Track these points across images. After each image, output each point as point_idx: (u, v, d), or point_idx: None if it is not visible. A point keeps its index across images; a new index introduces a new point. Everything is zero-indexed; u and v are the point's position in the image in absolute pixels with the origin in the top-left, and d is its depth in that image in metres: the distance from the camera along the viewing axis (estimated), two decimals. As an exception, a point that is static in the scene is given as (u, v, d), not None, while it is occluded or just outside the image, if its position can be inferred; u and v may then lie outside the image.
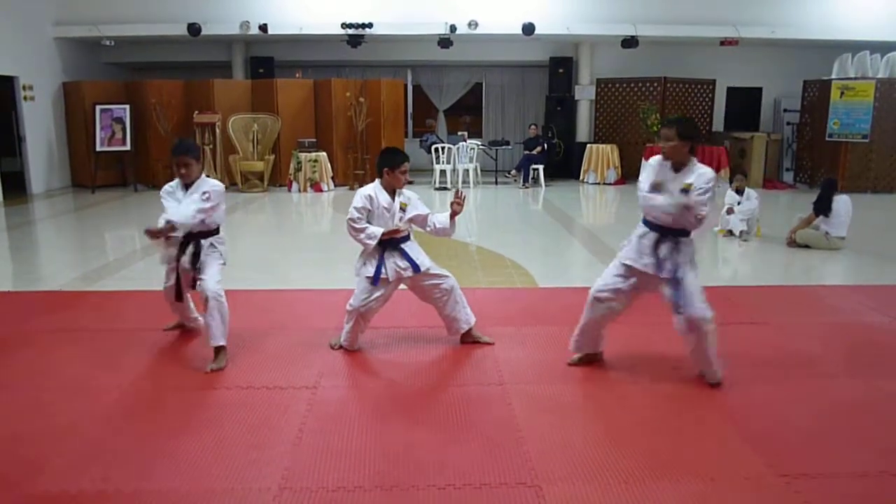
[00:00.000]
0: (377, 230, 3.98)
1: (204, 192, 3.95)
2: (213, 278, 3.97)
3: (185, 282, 4.10)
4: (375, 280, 4.03)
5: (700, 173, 3.64)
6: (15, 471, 2.87)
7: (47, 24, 12.49)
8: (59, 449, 3.05)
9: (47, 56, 12.53)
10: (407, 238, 4.13)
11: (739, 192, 8.08)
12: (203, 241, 4.03)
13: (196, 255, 3.99)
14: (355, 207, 4.00)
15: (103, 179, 12.59)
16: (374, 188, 4.07)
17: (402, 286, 4.23)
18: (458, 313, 4.24)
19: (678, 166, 3.68)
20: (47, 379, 3.83)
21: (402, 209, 4.07)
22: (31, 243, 8.32)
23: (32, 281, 6.33)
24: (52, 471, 2.88)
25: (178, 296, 4.15)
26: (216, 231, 4.13)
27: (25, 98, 11.82)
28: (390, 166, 4.03)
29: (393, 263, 4.04)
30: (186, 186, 4.02)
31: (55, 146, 12.73)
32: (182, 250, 4.02)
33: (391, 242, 4.03)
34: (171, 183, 4.12)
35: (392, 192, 4.08)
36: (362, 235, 3.99)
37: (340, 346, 4.26)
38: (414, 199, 4.17)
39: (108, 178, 12.75)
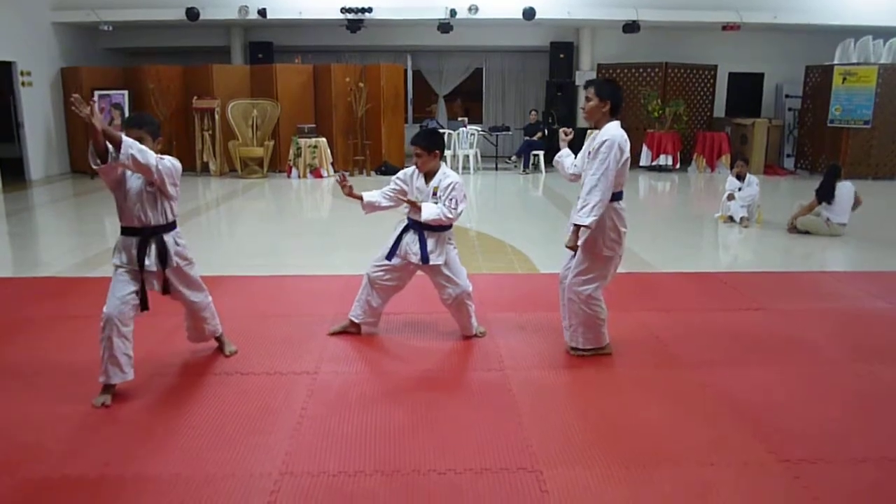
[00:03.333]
0: (368, 196, 4.03)
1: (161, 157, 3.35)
2: (202, 291, 3.73)
3: (153, 287, 3.51)
4: (389, 255, 4.04)
5: (600, 136, 3.62)
6: (15, 456, 2.87)
7: (45, 8, 12.41)
8: (60, 434, 3.05)
9: (45, 41, 12.45)
10: (443, 227, 3.99)
11: (740, 177, 8.05)
12: (167, 238, 3.47)
13: (163, 255, 3.45)
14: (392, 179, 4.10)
15: (102, 165, 12.52)
16: (411, 170, 4.07)
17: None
18: (460, 320, 4.22)
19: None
20: (47, 364, 3.82)
21: (434, 193, 3.97)
22: (31, 229, 8.30)
23: (31, 267, 6.32)
24: (53, 456, 2.88)
25: (144, 305, 3.47)
26: (174, 224, 3.54)
27: (23, 84, 11.77)
28: None
29: (407, 245, 4.01)
30: None
31: (54, 132, 12.68)
32: (142, 251, 3.41)
33: (416, 224, 3.98)
34: None
35: (427, 175, 4.01)
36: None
37: (350, 322, 4.25)
38: (444, 187, 3.94)
39: (106, 164, 12.68)
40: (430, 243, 3.97)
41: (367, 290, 4.16)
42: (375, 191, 4.10)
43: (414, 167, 4.04)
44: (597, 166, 3.53)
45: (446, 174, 3.99)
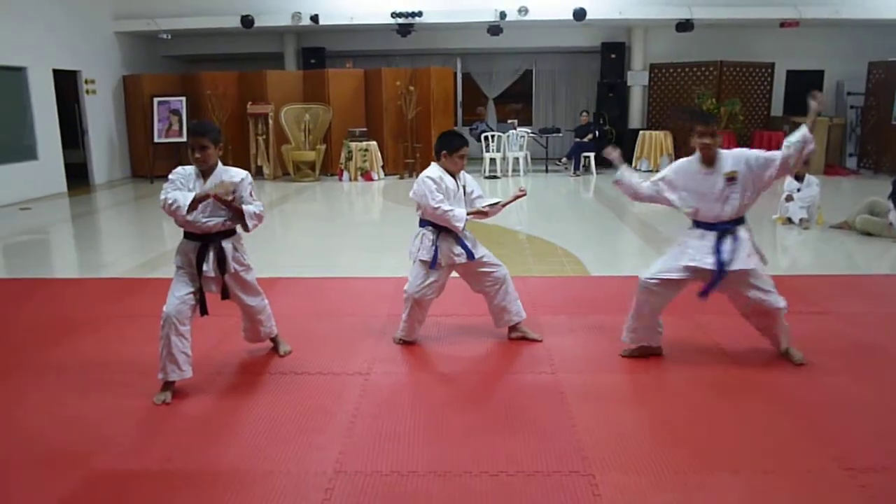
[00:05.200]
0: (462, 212, 3.91)
1: (257, 203, 3.56)
2: (258, 296, 3.82)
3: (210, 289, 3.59)
4: (433, 264, 3.96)
5: (732, 162, 3.63)
6: (85, 448, 2.99)
7: (107, 19, 12.87)
8: (125, 428, 3.16)
9: (107, 50, 12.92)
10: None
11: (799, 178, 7.81)
12: (226, 245, 3.55)
13: (222, 262, 3.53)
14: (431, 190, 3.88)
15: (161, 170, 12.86)
16: (438, 171, 3.98)
17: (453, 274, 4.21)
18: (508, 304, 4.16)
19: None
20: (112, 361, 3.96)
21: (464, 191, 4.01)
22: (95, 232, 8.62)
23: (96, 268, 6.55)
24: (119, 449, 2.99)
25: (203, 309, 3.58)
26: (234, 230, 3.62)
27: (87, 92, 12.23)
28: (449, 150, 3.96)
29: (447, 249, 3.97)
30: (203, 175, 3.47)
31: (116, 138, 13.14)
32: (201, 256, 3.49)
33: (447, 228, 3.95)
34: (184, 167, 3.51)
35: (453, 176, 4.01)
36: (449, 216, 3.88)
37: (402, 340, 4.20)
38: (470, 180, 4.10)
39: (165, 168, 12.88)
40: (468, 239, 4.02)
41: (415, 311, 4.10)
42: (458, 210, 3.94)
43: (438, 171, 3.97)
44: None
45: (464, 172, 4.10)
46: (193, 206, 3.34)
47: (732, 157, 3.64)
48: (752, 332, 4.16)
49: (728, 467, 2.80)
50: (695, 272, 3.67)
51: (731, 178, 3.58)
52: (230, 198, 3.40)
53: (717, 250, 3.60)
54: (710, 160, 3.64)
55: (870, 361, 3.90)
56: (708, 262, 3.61)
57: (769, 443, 2.99)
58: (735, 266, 3.59)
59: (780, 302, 3.67)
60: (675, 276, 3.71)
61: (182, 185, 3.42)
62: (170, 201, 3.34)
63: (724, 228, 3.63)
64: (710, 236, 3.64)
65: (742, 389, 3.53)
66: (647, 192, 3.84)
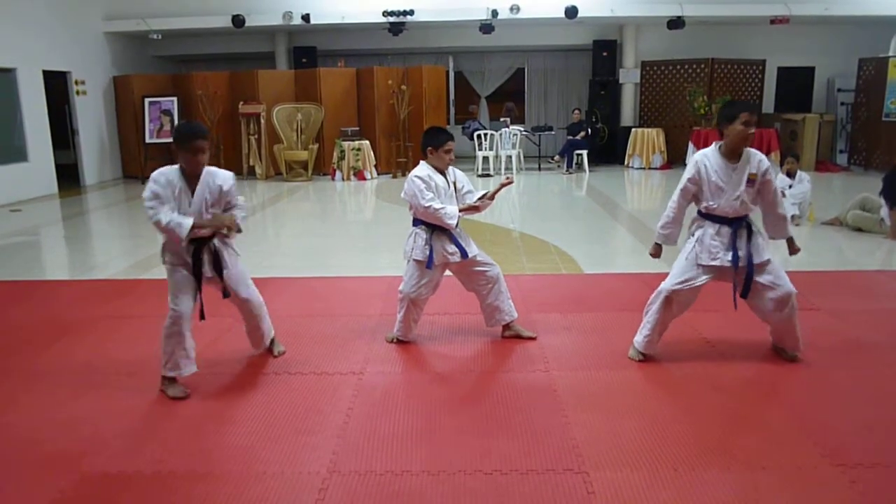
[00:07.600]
0: (454, 209, 3.89)
1: (240, 199, 3.64)
2: (252, 288, 3.78)
3: (208, 291, 3.62)
4: (430, 263, 3.94)
5: (759, 162, 3.63)
6: (78, 449, 2.98)
7: (98, 19, 12.82)
8: (117, 430, 3.15)
9: (98, 51, 12.86)
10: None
11: (791, 175, 7.86)
12: (216, 242, 3.57)
13: (217, 259, 3.55)
14: (421, 189, 3.85)
15: (153, 170, 12.77)
16: (427, 170, 3.95)
17: (447, 272, 4.20)
18: (501, 303, 4.15)
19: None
20: (104, 362, 3.95)
21: (454, 188, 4.01)
22: (86, 233, 8.58)
23: (87, 269, 6.52)
24: (112, 451, 2.97)
25: (201, 314, 3.58)
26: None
27: (78, 93, 12.17)
28: (434, 146, 3.93)
29: (440, 248, 3.96)
30: (189, 178, 3.48)
31: (106, 139, 13.08)
32: (196, 258, 3.51)
33: (440, 226, 3.94)
34: (163, 170, 3.50)
35: (442, 173, 3.99)
36: (441, 213, 3.85)
37: (397, 339, 4.19)
38: (461, 176, 4.09)
39: (157, 168, 12.99)
40: (461, 238, 4.01)
41: (411, 311, 4.08)
42: (450, 207, 3.92)
43: (427, 169, 3.95)
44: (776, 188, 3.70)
45: (453, 168, 4.08)
46: (191, 234, 3.39)
47: (758, 160, 3.60)
48: (743, 328, 4.19)
49: (720, 464, 2.81)
50: (714, 271, 3.65)
51: (751, 180, 3.57)
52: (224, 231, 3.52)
53: (735, 245, 3.59)
54: (739, 154, 3.59)
55: (860, 357, 3.92)
56: (729, 258, 3.59)
57: (761, 439, 3.00)
58: (757, 259, 3.59)
59: (793, 287, 3.63)
60: (701, 281, 3.67)
61: (166, 196, 3.42)
62: (169, 226, 3.37)
63: (740, 224, 3.62)
64: (726, 231, 3.62)
65: (733, 386, 3.54)
66: (681, 212, 3.80)
